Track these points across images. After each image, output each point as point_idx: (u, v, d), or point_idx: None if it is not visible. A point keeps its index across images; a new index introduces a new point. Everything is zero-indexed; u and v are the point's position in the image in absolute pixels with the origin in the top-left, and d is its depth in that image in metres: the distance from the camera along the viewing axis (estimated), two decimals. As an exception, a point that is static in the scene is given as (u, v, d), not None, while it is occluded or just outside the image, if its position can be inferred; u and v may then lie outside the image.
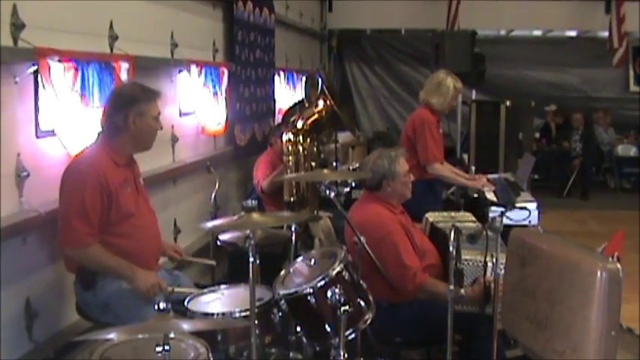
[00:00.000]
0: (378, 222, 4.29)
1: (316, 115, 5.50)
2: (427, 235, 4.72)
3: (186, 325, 2.80)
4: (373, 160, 4.47)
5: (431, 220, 4.83)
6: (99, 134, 3.81)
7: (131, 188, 3.81)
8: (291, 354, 3.73)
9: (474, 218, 4.97)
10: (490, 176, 6.83)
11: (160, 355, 2.57)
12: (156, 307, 2.91)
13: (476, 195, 6.76)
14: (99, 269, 3.66)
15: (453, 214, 5.11)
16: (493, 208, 5.70)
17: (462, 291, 3.89)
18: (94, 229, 3.60)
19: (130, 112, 3.71)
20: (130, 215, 3.75)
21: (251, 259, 3.12)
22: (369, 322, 3.65)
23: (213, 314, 3.54)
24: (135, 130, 3.74)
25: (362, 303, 3.64)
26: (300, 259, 4.03)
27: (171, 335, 2.62)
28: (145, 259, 3.81)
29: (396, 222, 4.33)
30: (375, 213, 4.35)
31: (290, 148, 5.42)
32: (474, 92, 10.44)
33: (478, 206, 6.34)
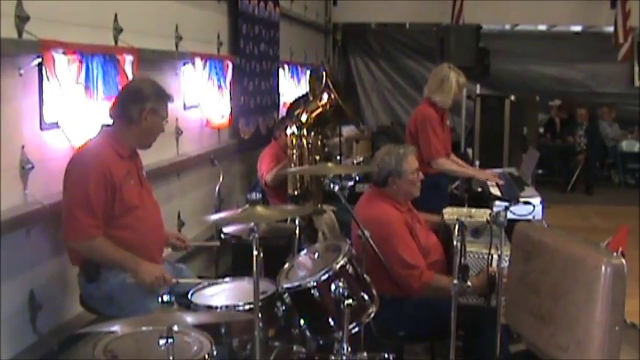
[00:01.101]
0: (383, 220, 4.28)
1: (320, 109, 5.49)
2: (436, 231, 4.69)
3: (189, 318, 2.80)
4: (381, 156, 4.46)
5: (446, 217, 4.80)
6: (102, 126, 3.81)
7: (134, 181, 3.82)
8: (294, 347, 3.72)
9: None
10: (494, 171, 6.82)
11: (163, 347, 2.57)
12: (159, 299, 2.91)
13: (480, 189, 6.75)
14: (103, 261, 3.66)
15: (473, 210, 5.05)
16: (497, 202, 5.69)
17: (468, 283, 3.88)
18: (98, 221, 3.60)
19: (147, 106, 3.74)
20: (134, 207, 3.76)
21: (255, 252, 3.11)
22: (372, 315, 3.64)
23: (216, 307, 3.54)
24: (145, 125, 3.76)
25: (365, 297, 3.63)
26: (303, 252, 4.02)
27: (175, 328, 2.62)
28: (149, 251, 3.82)
29: (401, 221, 4.32)
30: (380, 211, 4.34)
31: (294, 141, 5.42)
32: (478, 87, 10.42)
33: (482, 201, 6.34)
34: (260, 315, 3.19)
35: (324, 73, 5.66)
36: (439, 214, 4.98)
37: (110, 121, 3.81)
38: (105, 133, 3.78)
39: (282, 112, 8.32)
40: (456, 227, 3.68)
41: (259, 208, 3.22)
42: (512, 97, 9.27)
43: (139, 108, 3.73)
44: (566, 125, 13.32)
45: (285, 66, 9.17)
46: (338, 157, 7.30)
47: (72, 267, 3.82)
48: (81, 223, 3.55)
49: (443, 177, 6.36)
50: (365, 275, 3.75)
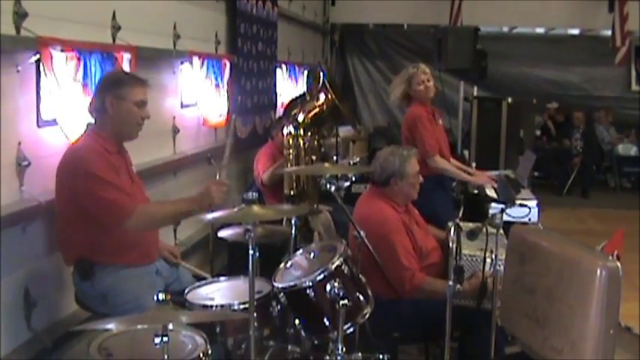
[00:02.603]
0: (380, 220, 4.29)
1: (317, 109, 5.48)
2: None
3: (184, 317, 2.81)
4: (384, 156, 4.46)
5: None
6: (88, 125, 3.79)
7: (125, 176, 3.79)
8: (289, 347, 3.73)
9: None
10: (491, 173, 6.83)
11: (158, 346, 2.57)
12: (155, 298, 2.91)
13: (476, 191, 6.76)
14: (161, 222, 3.81)
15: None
16: (493, 204, 5.70)
17: (458, 286, 3.89)
18: (126, 192, 3.61)
19: (109, 94, 3.68)
20: None
21: (251, 252, 3.11)
22: (367, 316, 3.65)
23: (212, 306, 3.54)
24: (113, 113, 3.69)
25: (361, 297, 3.64)
26: (299, 252, 4.03)
27: (170, 326, 2.62)
28: (142, 245, 3.80)
29: (398, 221, 4.33)
30: (378, 210, 4.35)
31: (291, 141, 5.41)
32: (475, 89, 10.45)
33: (478, 202, 6.34)
34: (255, 314, 3.19)
35: (321, 73, 5.66)
36: (446, 215, 4.99)
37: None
38: (90, 130, 3.74)
39: (280, 111, 8.33)
40: (452, 229, 3.69)
41: (255, 208, 3.22)
42: (509, 100, 9.28)
43: (102, 97, 3.70)
44: (563, 128, 13.34)
45: (283, 66, 9.17)
46: (334, 158, 7.28)
47: (67, 264, 3.83)
48: (120, 202, 3.55)
49: (446, 177, 6.33)
50: (360, 276, 3.75)
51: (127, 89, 3.73)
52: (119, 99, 3.70)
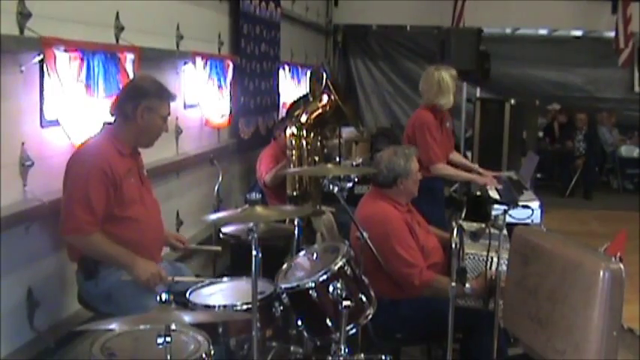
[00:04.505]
0: (384, 219, 4.29)
1: (320, 110, 5.50)
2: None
3: (187, 317, 2.80)
4: (388, 157, 4.45)
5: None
6: (104, 124, 3.81)
7: (135, 178, 3.81)
8: (291, 348, 3.73)
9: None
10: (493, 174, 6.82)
11: (160, 346, 2.57)
12: (158, 298, 2.91)
13: (478, 193, 6.76)
14: (99, 257, 3.66)
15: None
16: (496, 206, 5.69)
17: (468, 285, 3.88)
18: (96, 218, 3.59)
19: (141, 103, 3.72)
20: (134, 205, 3.75)
21: (254, 253, 3.12)
22: (370, 317, 3.65)
23: (214, 307, 3.54)
24: (142, 123, 3.75)
25: (363, 298, 3.64)
26: (302, 253, 4.03)
27: (173, 327, 2.63)
28: (147, 249, 3.81)
29: (401, 220, 4.33)
30: (381, 210, 4.35)
31: (294, 142, 5.42)
32: (478, 90, 10.44)
33: (481, 204, 6.34)
34: (258, 315, 3.19)
35: (324, 75, 5.67)
36: (434, 218, 4.99)
37: (112, 119, 3.81)
38: (106, 130, 3.78)
39: (282, 112, 8.33)
40: (455, 230, 3.69)
41: (259, 208, 3.22)
42: (512, 101, 9.27)
43: (134, 105, 3.72)
44: (566, 130, 13.33)
45: (286, 66, 9.17)
46: (337, 159, 7.29)
47: (70, 264, 3.83)
48: (78, 218, 3.55)
49: (437, 180, 6.34)
50: (363, 277, 3.75)
51: (159, 102, 3.80)
52: (150, 111, 3.76)
